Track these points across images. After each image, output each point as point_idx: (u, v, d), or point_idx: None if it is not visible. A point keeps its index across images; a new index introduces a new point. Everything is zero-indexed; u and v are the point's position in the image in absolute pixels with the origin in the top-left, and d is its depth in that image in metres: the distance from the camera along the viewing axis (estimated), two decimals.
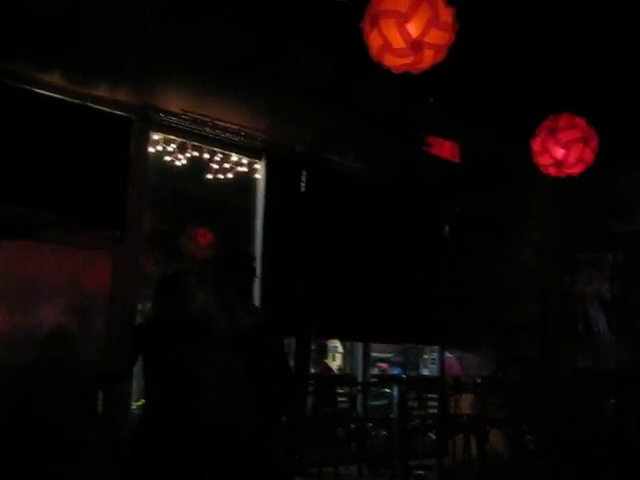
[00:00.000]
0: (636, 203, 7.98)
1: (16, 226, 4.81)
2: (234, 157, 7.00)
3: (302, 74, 6.50)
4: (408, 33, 3.65)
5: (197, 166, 6.85)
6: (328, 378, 7.91)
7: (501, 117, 7.34)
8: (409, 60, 3.78)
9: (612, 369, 7.59)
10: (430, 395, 7.96)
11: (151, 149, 6.38)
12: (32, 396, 5.02)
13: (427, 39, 3.66)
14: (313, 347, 7.80)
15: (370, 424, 7.89)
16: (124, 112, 6.00)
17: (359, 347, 8.46)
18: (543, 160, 5.46)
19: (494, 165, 8.10)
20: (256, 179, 7.16)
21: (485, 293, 8.50)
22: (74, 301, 5.33)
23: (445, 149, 7.66)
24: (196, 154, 6.74)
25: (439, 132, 7.73)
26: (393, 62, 3.85)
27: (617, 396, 7.15)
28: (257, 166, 7.17)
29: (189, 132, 6.56)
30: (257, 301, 6.72)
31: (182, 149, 6.66)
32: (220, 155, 6.90)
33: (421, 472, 7.16)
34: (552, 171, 5.50)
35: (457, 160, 7.81)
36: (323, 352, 8.27)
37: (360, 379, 8.16)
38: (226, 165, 6.98)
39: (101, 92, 5.81)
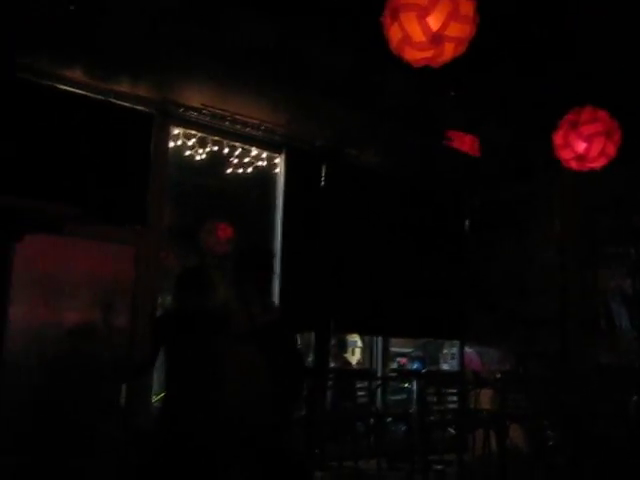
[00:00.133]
0: None
1: (40, 221, 4.85)
2: (254, 152, 7.02)
3: (322, 68, 6.48)
4: (428, 26, 3.63)
5: (217, 161, 6.88)
6: (347, 372, 7.92)
7: (522, 110, 7.28)
8: (429, 54, 3.76)
9: (635, 365, 7.51)
10: (449, 390, 7.94)
11: (171, 144, 6.42)
12: (56, 389, 5.07)
13: (447, 32, 3.64)
14: (333, 342, 7.82)
15: (389, 419, 7.89)
16: (145, 107, 6.04)
17: (378, 342, 8.46)
18: (565, 154, 5.41)
19: (515, 159, 8.04)
20: (276, 173, 7.18)
21: (505, 288, 8.45)
22: (97, 295, 5.37)
23: (465, 143, 7.61)
24: (216, 149, 6.77)
25: (459, 126, 7.68)
26: (413, 56, 3.83)
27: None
28: (277, 160, 7.18)
29: (209, 127, 6.59)
30: (276, 296, 6.76)
31: (202, 144, 6.69)
32: (240, 150, 6.93)
33: (440, 467, 7.14)
34: (574, 165, 5.45)
35: (477, 154, 7.76)
36: (343, 347, 8.29)
37: (379, 374, 8.16)
38: (246, 160, 7.00)
39: (122, 88, 5.86)
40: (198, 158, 6.75)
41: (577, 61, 6.22)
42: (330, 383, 7.34)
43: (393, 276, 7.76)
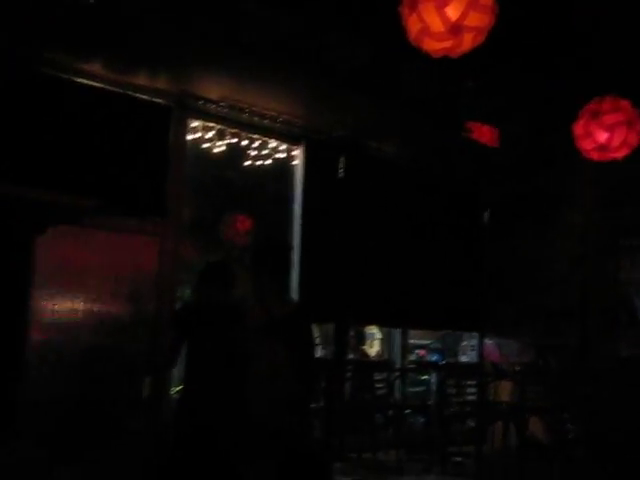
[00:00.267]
0: None
1: (61, 213, 4.89)
2: (272, 143, 7.02)
3: (340, 60, 6.46)
4: (447, 16, 3.61)
5: (235, 153, 6.89)
6: (366, 364, 7.92)
7: (542, 101, 7.22)
8: (448, 44, 3.74)
9: None
10: (469, 382, 7.92)
11: (190, 136, 6.44)
12: (79, 382, 5.11)
13: (466, 22, 3.62)
14: (351, 333, 7.82)
15: (408, 410, 7.89)
16: (163, 100, 6.05)
17: (397, 334, 8.45)
18: (586, 144, 5.35)
19: (534, 150, 7.98)
20: (294, 165, 7.17)
21: (525, 279, 8.40)
22: (118, 287, 5.39)
23: (484, 134, 7.56)
24: (234, 141, 6.78)
25: (478, 117, 7.63)
26: (432, 46, 3.81)
27: None
28: (295, 152, 7.17)
29: (227, 119, 6.59)
30: (295, 288, 6.77)
31: (221, 136, 6.70)
32: (258, 141, 6.93)
33: (459, 459, 7.14)
34: (595, 155, 5.39)
35: (497, 145, 7.71)
36: (361, 339, 8.29)
37: (398, 366, 8.16)
38: (264, 151, 7.00)
39: (141, 81, 5.87)
40: (216, 150, 6.76)
41: (598, 50, 6.15)
42: (349, 375, 7.35)
43: (412, 268, 7.73)
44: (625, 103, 5.24)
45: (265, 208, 7.05)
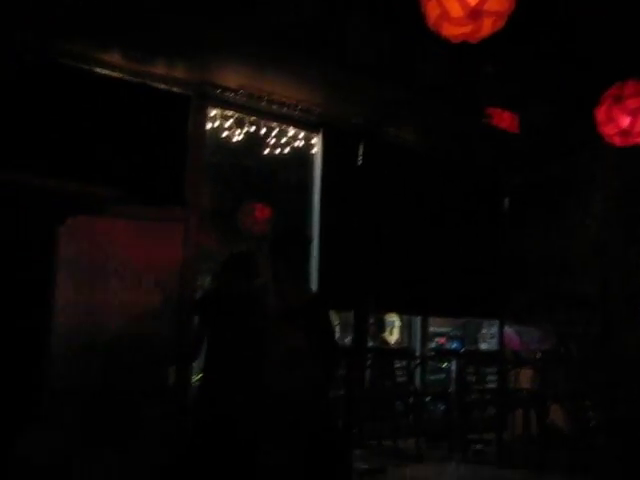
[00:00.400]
0: None
1: (80, 203, 4.93)
2: (291, 131, 7.01)
3: (359, 46, 6.42)
4: (466, 1, 3.56)
5: (254, 141, 6.89)
6: (386, 351, 7.93)
7: (563, 86, 7.13)
8: (467, 29, 3.69)
9: None
10: (489, 369, 7.90)
11: (209, 125, 6.45)
12: (104, 370, 5.16)
13: (486, 7, 3.57)
14: (371, 321, 7.82)
15: (428, 398, 7.89)
16: (182, 89, 6.07)
17: (417, 321, 8.45)
18: (608, 130, 5.27)
19: (555, 135, 7.89)
20: (313, 153, 7.16)
21: (546, 267, 8.35)
22: (142, 276, 5.41)
23: (504, 120, 7.49)
24: (253, 129, 6.78)
25: (498, 102, 7.56)
26: (451, 31, 3.77)
27: None
28: (314, 140, 7.17)
29: (246, 107, 6.60)
30: (315, 276, 6.78)
31: (239, 125, 6.71)
32: (277, 130, 6.93)
33: (480, 446, 7.14)
34: (617, 141, 5.31)
35: (517, 131, 7.63)
36: (381, 326, 8.29)
37: (418, 353, 8.15)
38: (283, 140, 7.00)
39: (160, 70, 5.89)
40: (235, 139, 6.76)
41: (620, 33, 6.05)
42: (369, 362, 7.36)
43: (432, 255, 7.71)
44: None
45: (284, 196, 7.05)
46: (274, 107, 6.66)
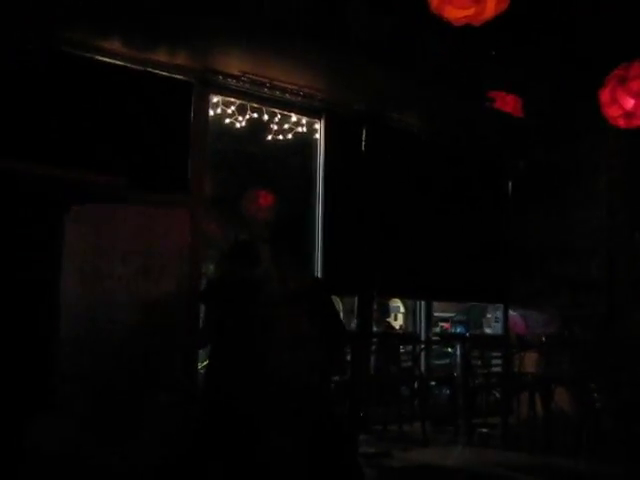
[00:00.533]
0: None
1: (85, 191, 4.95)
2: (294, 118, 7.00)
3: (361, 31, 6.39)
4: None
5: (257, 128, 6.88)
6: (391, 336, 7.94)
7: (567, 68, 7.09)
8: (470, 12, 3.68)
9: None
10: (494, 353, 7.92)
11: (211, 112, 6.44)
12: (113, 357, 5.17)
13: None
14: (375, 306, 7.83)
15: (433, 382, 7.91)
16: (184, 76, 6.06)
17: (421, 306, 8.45)
18: (612, 111, 5.25)
19: (560, 119, 7.86)
20: (316, 139, 7.15)
21: (551, 250, 8.33)
22: (147, 264, 5.40)
23: (508, 104, 7.45)
24: (256, 116, 6.77)
25: (502, 86, 7.52)
26: (454, 14, 3.76)
27: None
28: (317, 126, 7.15)
29: (249, 94, 6.58)
30: (319, 261, 6.79)
31: (242, 111, 6.70)
32: (279, 116, 6.91)
33: (485, 430, 7.16)
34: (621, 123, 5.29)
35: (521, 115, 7.60)
36: (385, 311, 8.31)
37: (423, 338, 8.17)
38: (286, 126, 6.99)
39: (162, 57, 5.87)
40: (238, 126, 6.75)
41: (625, 14, 6.01)
42: (374, 347, 7.38)
43: (436, 240, 7.71)
44: None
45: (287, 182, 7.04)
46: (276, 93, 6.65)
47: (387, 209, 7.28)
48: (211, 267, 6.37)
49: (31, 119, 5.22)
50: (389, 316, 8.55)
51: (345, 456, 4.08)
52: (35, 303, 5.06)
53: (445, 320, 9.34)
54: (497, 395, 7.69)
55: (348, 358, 6.56)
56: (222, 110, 6.61)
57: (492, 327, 9.07)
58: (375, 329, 7.72)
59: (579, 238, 8.23)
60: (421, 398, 7.26)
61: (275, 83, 6.55)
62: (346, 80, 6.78)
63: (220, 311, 4.57)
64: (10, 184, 4.81)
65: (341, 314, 7.88)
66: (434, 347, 8.47)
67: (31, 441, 4.56)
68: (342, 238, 6.93)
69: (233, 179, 6.93)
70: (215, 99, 6.49)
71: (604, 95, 5.25)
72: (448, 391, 7.88)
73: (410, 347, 7.51)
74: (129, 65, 5.74)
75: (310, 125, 7.12)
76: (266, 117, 6.83)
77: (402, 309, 8.90)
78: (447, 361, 8.63)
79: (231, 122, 6.72)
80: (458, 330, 9.23)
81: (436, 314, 8.74)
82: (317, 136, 7.15)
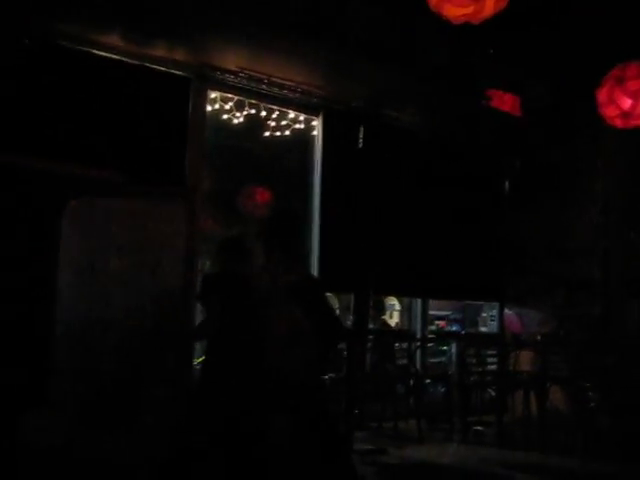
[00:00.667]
0: None
1: (82, 186, 4.94)
2: (291, 114, 7.00)
3: (359, 29, 6.39)
4: None
5: (254, 124, 6.88)
6: (387, 333, 7.95)
7: (565, 68, 7.09)
8: (469, 10, 3.68)
9: None
10: (489, 352, 7.93)
11: (209, 108, 6.43)
12: (110, 351, 5.17)
13: None
14: (371, 304, 7.83)
15: (429, 380, 7.93)
16: (182, 72, 6.05)
17: (417, 304, 8.46)
18: (609, 111, 5.25)
19: (557, 118, 7.87)
20: (313, 136, 7.15)
21: (547, 250, 8.35)
22: (143, 258, 5.41)
23: (506, 102, 7.46)
24: (253, 112, 6.76)
25: (500, 85, 7.53)
26: (453, 12, 3.75)
27: None
28: (314, 123, 7.15)
29: (246, 90, 6.58)
30: (316, 258, 6.79)
31: (239, 107, 6.69)
32: (277, 112, 6.91)
33: (480, 428, 7.18)
34: (619, 123, 5.29)
35: (518, 113, 7.61)
36: (380, 309, 8.30)
37: (419, 336, 8.17)
38: (283, 122, 6.99)
39: (160, 52, 5.87)
40: (235, 122, 6.75)
41: (623, 14, 6.02)
42: (370, 345, 7.39)
43: (432, 238, 7.71)
44: None
45: (285, 179, 7.04)
46: (274, 90, 6.65)
47: (384, 207, 7.28)
48: (207, 262, 6.38)
49: (28, 113, 5.21)
50: (385, 314, 8.53)
51: (339, 454, 4.08)
52: (31, 298, 5.06)
53: (441, 318, 9.32)
54: (492, 393, 7.70)
55: (344, 355, 6.57)
56: (220, 106, 6.60)
57: (488, 325, 9.08)
58: (371, 326, 7.72)
59: (575, 237, 8.25)
60: (416, 396, 7.28)
61: (273, 79, 6.55)
62: (344, 77, 6.77)
63: (220, 305, 4.58)
64: (6, 178, 4.80)
65: (337, 311, 7.91)
66: (430, 345, 8.48)
67: (25, 436, 4.56)
68: (339, 235, 6.93)
69: (230, 175, 6.92)
70: (213, 95, 6.48)
71: (601, 95, 5.25)
72: (443, 389, 7.89)
73: (406, 345, 7.52)
74: (127, 60, 5.73)
75: (308, 122, 7.12)
76: (264, 113, 6.83)
77: (398, 307, 8.89)
78: (442, 359, 8.65)
79: (229, 118, 6.72)
80: (454, 328, 9.23)
81: (432, 312, 8.73)
82: (315, 133, 7.15)
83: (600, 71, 5.36)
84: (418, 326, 8.36)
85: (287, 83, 6.65)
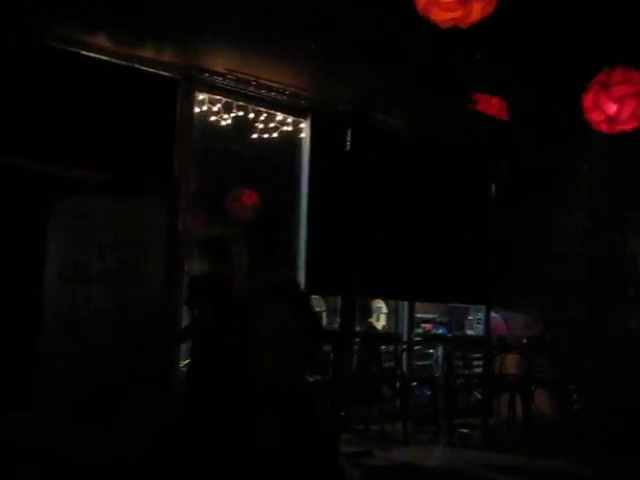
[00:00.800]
0: None
1: (68, 185, 4.92)
2: (279, 116, 7.00)
3: (347, 31, 6.41)
4: None
5: (242, 126, 6.87)
6: (374, 336, 7.96)
7: (551, 73, 7.14)
8: (457, 14, 3.69)
9: None
10: (475, 355, 7.96)
11: (197, 109, 6.43)
12: (96, 353, 5.15)
13: None
14: (357, 307, 7.83)
15: (415, 383, 7.94)
16: (170, 73, 6.04)
17: (404, 307, 8.47)
18: (595, 116, 5.28)
19: (543, 122, 7.91)
20: (301, 138, 7.15)
21: (533, 253, 8.40)
22: (127, 258, 5.38)
23: (493, 106, 7.49)
24: (241, 114, 6.76)
25: (487, 89, 7.57)
26: (440, 16, 3.76)
27: None
28: (302, 125, 7.16)
29: (234, 92, 6.57)
30: (303, 261, 6.79)
31: (227, 109, 6.68)
32: (265, 115, 6.91)
33: (465, 430, 7.20)
34: (604, 127, 5.32)
35: (505, 117, 7.65)
36: (367, 312, 8.31)
37: (405, 339, 8.19)
38: (271, 124, 6.99)
39: (148, 53, 5.86)
40: (223, 123, 6.74)
41: (610, 20, 6.07)
42: (356, 347, 7.39)
43: (419, 241, 7.74)
44: (635, 74, 5.15)
45: (272, 181, 7.04)
46: (262, 92, 6.65)
47: (371, 209, 7.29)
48: (194, 264, 6.36)
49: (14, 113, 5.19)
50: (371, 316, 8.54)
51: (326, 456, 4.08)
52: (17, 297, 5.03)
53: (427, 321, 9.34)
54: (478, 396, 7.73)
55: (330, 358, 6.57)
56: (208, 107, 6.59)
57: (474, 328, 9.12)
58: (358, 329, 7.72)
59: (561, 240, 8.31)
60: (403, 398, 7.29)
61: (261, 81, 6.55)
62: (332, 80, 6.79)
63: (199, 308, 4.58)
64: None
65: (324, 314, 7.92)
66: (416, 348, 8.49)
67: (10, 436, 4.53)
68: (326, 238, 6.94)
69: (218, 177, 6.90)
70: (201, 96, 6.47)
71: (587, 100, 5.29)
72: (429, 391, 7.92)
73: (392, 347, 7.54)
74: (115, 61, 5.72)
75: (295, 124, 7.12)
76: (252, 115, 6.83)
77: (385, 310, 8.90)
78: (429, 362, 8.66)
79: (217, 120, 6.71)
80: (440, 331, 9.25)
81: (418, 315, 8.75)
82: (302, 135, 7.16)
83: (586, 76, 5.40)
84: (405, 329, 8.37)
85: (275, 85, 6.65)
